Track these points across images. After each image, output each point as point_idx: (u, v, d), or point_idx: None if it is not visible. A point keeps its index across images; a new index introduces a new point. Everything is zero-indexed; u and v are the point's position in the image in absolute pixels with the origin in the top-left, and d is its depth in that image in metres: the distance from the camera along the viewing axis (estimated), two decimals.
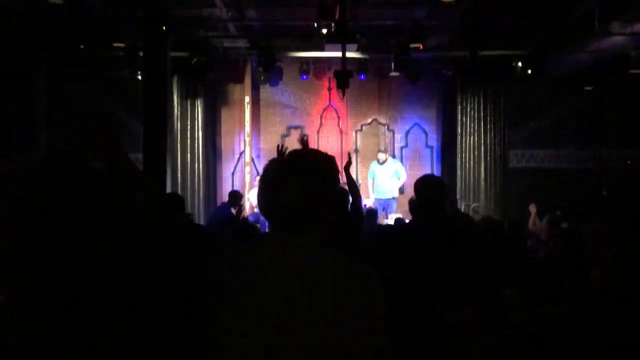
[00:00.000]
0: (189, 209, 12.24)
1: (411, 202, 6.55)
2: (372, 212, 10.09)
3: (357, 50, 11.33)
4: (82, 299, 2.06)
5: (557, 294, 4.14)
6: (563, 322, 3.57)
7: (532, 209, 9.40)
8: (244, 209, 6.67)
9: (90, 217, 2.13)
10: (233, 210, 9.95)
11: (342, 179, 9.87)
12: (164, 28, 7.86)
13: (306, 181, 1.81)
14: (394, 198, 12.04)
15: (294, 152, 1.97)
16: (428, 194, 3.96)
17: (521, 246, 6.39)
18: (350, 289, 1.73)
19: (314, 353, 1.66)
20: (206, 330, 1.76)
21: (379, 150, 12.51)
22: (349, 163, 5.85)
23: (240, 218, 6.54)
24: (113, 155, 2.27)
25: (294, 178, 1.82)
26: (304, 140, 5.28)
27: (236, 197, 10.28)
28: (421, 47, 10.73)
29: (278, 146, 5.28)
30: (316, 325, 1.67)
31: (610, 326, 3.51)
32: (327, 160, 1.90)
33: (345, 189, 6.03)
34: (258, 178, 11.78)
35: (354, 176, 13.22)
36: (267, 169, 1.91)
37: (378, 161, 12.29)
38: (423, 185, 4.03)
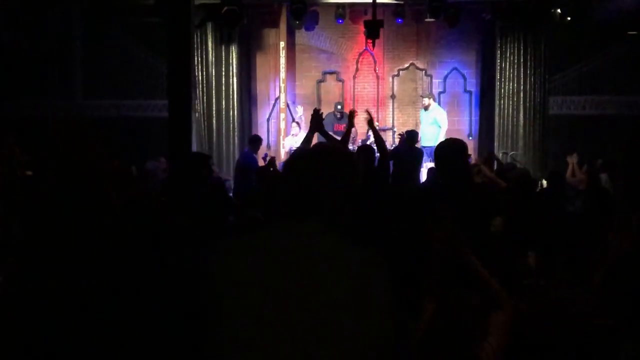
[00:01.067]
0: (223, 155, 12.35)
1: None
2: (419, 154, 9.89)
3: None
4: (84, 301, 2.08)
5: (579, 261, 4.07)
6: (580, 294, 3.50)
7: (570, 159, 9.20)
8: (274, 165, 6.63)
9: (91, 220, 2.14)
10: (255, 156, 10.01)
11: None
12: None
13: (325, 174, 1.83)
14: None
15: (319, 145, 1.98)
16: (444, 159, 3.84)
17: (555, 205, 6.28)
18: (357, 277, 1.73)
19: (322, 342, 1.66)
20: (211, 324, 1.76)
21: (421, 95, 12.35)
22: (370, 121, 6.09)
23: (271, 170, 6.52)
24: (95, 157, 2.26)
25: (314, 169, 1.84)
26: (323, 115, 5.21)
27: (256, 141, 10.28)
28: None
29: (315, 110, 5.19)
30: (323, 315, 1.67)
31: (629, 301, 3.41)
32: (348, 159, 1.92)
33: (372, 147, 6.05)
34: (293, 124, 11.86)
35: (389, 122, 13.16)
36: (292, 156, 1.98)
37: (423, 107, 12.17)
38: (440, 150, 3.91)
